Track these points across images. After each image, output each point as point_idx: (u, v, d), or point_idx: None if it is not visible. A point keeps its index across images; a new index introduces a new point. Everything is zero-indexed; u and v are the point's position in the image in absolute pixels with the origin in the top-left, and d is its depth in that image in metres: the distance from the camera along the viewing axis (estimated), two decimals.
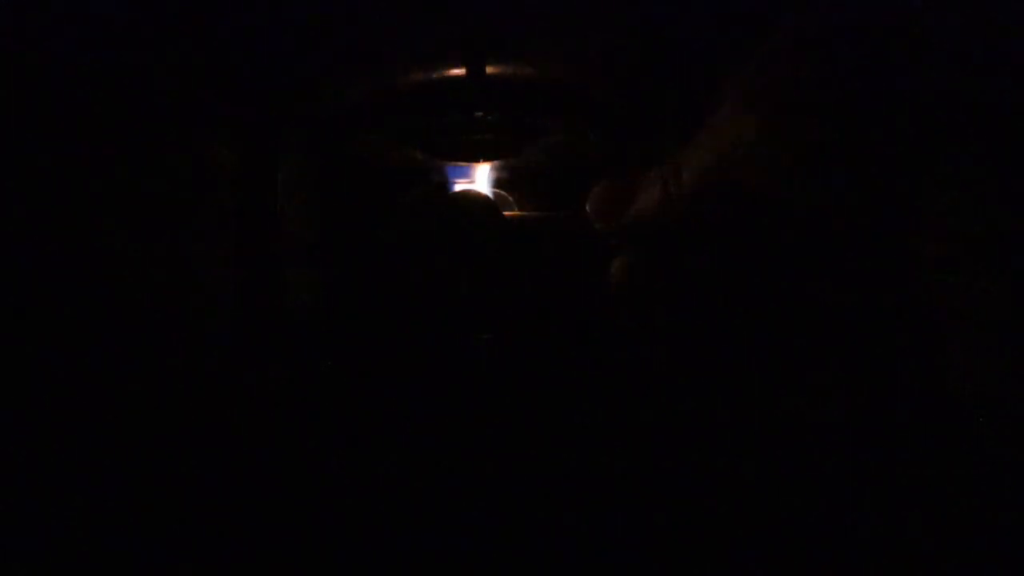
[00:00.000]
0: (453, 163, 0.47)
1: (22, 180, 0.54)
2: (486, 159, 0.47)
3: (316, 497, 0.41)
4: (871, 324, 0.30)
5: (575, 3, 0.38)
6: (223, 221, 0.58)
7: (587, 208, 0.33)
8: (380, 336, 0.46)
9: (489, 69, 0.39)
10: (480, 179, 0.47)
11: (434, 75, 0.40)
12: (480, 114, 0.40)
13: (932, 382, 0.27)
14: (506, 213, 0.44)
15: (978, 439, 0.27)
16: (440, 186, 0.48)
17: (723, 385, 0.36)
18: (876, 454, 0.33)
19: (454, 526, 0.38)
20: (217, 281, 0.58)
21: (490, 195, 0.46)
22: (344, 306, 0.51)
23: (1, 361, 0.54)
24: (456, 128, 0.42)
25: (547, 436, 0.39)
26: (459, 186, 0.47)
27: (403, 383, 0.38)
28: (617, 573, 0.38)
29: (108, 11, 0.55)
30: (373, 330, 0.46)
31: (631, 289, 0.32)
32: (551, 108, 0.41)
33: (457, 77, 0.39)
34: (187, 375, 0.57)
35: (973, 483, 0.30)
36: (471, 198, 0.45)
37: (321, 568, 0.38)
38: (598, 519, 0.39)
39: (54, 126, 0.54)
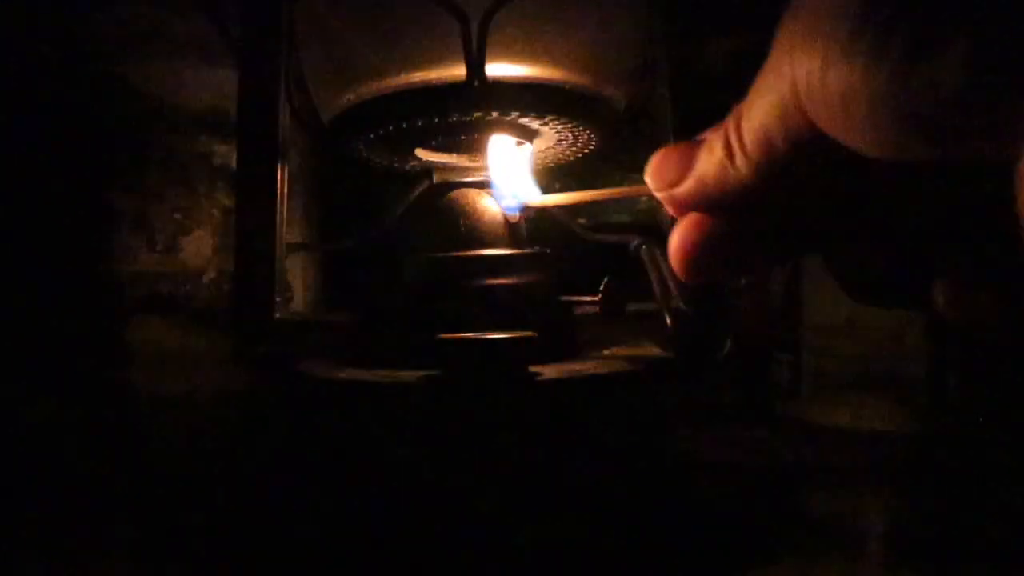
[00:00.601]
0: (451, 162, 0.47)
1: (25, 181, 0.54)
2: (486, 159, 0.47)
3: (314, 501, 0.41)
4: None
5: None
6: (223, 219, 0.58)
7: (646, 179, 0.30)
8: (383, 336, 0.46)
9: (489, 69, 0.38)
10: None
11: (434, 75, 0.40)
12: (480, 114, 0.39)
13: None
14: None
15: None
16: (441, 186, 0.48)
17: None
18: None
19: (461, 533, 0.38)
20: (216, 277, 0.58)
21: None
22: (345, 306, 0.50)
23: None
24: (456, 128, 0.41)
25: (547, 433, 0.38)
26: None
27: (406, 385, 0.38)
28: None
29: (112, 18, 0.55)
30: (375, 330, 0.46)
31: (702, 259, 0.30)
32: (552, 106, 0.40)
33: (457, 77, 0.39)
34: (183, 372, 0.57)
35: None
36: (471, 200, 0.45)
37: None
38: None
39: (57, 127, 0.55)
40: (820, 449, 0.60)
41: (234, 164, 0.49)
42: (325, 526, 0.39)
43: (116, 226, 0.56)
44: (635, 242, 0.47)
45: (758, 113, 0.23)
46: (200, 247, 0.58)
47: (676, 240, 0.28)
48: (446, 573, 0.36)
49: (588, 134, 0.44)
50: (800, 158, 0.23)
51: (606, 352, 0.44)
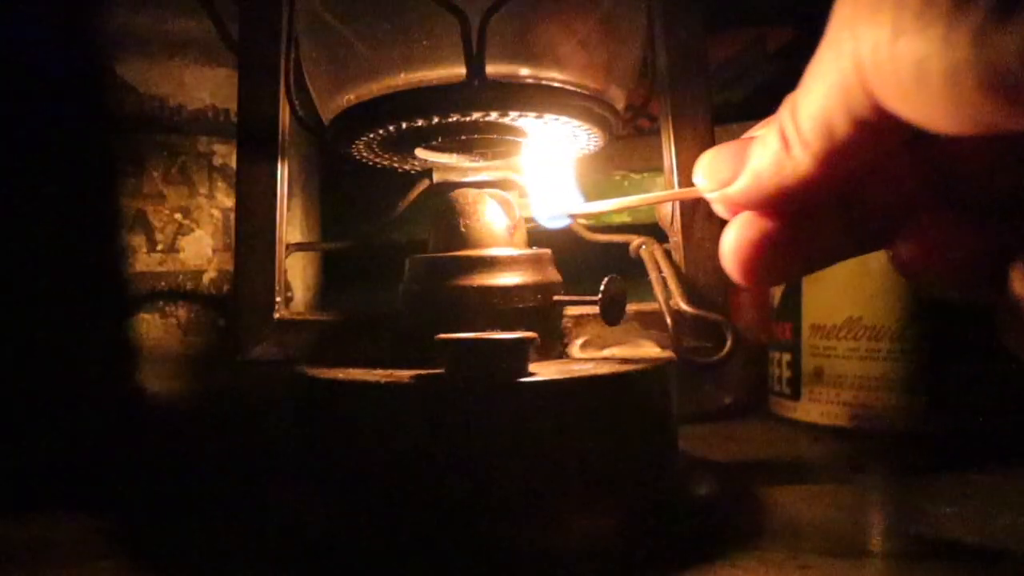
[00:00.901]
0: (451, 162, 0.47)
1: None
2: (486, 159, 0.47)
3: (313, 501, 0.41)
4: None
5: None
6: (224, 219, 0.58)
7: (695, 180, 0.26)
8: (382, 336, 0.46)
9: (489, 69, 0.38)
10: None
11: (434, 75, 0.40)
12: (480, 114, 0.39)
13: None
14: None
15: None
16: (441, 185, 0.48)
17: None
18: None
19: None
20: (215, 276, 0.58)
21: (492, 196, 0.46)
22: (345, 306, 0.50)
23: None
24: (455, 128, 0.41)
25: (548, 433, 0.38)
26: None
27: (405, 386, 0.38)
28: None
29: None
30: (375, 331, 0.46)
31: (759, 261, 0.25)
32: (553, 106, 0.40)
33: (457, 77, 0.39)
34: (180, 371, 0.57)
35: None
36: (470, 200, 0.45)
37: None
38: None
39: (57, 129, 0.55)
40: (820, 448, 0.60)
41: (234, 164, 0.49)
42: (324, 525, 0.39)
43: (116, 226, 0.56)
44: (635, 242, 0.47)
45: (816, 97, 0.21)
46: (200, 247, 0.58)
47: (730, 242, 0.26)
48: (445, 574, 0.36)
49: (588, 134, 0.44)
50: (864, 143, 0.21)
51: (606, 352, 0.44)
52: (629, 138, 0.58)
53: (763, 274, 0.26)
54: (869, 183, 0.24)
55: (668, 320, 0.42)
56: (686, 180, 0.44)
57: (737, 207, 0.26)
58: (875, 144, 0.21)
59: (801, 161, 0.22)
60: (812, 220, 0.25)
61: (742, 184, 0.25)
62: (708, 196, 0.26)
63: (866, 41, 0.19)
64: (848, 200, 0.25)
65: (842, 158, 0.22)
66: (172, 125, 0.56)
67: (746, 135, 0.25)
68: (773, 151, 0.23)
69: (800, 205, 0.24)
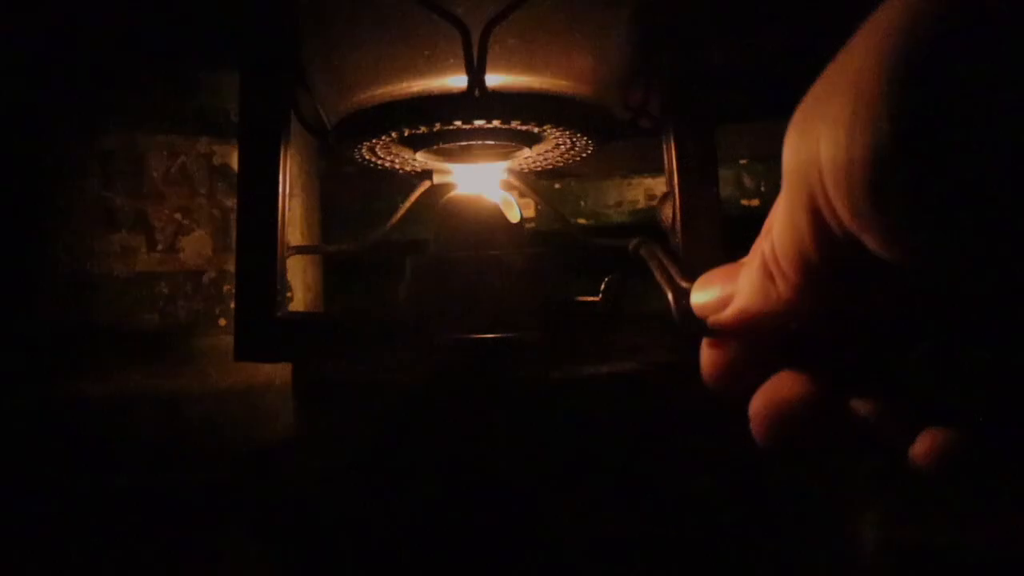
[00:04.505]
0: (452, 166, 0.48)
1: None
2: (487, 161, 0.47)
3: (315, 499, 0.41)
4: None
5: None
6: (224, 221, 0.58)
7: (692, 301, 0.27)
8: (380, 337, 0.46)
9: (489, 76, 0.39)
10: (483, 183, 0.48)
11: (436, 84, 0.40)
12: (480, 122, 0.40)
13: None
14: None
15: None
16: (442, 187, 0.48)
17: None
18: None
19: (459, 525, 0.38)
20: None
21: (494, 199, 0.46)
22: (346, 307, 0.51)
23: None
24: (457, 135, 0.41)
25: (550, 433, 0.39)
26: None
27: (406, 385, 0.38)
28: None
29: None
30: (376, 331, 0.46)
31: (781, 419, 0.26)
32: (551, 115, 0.41)
33: (459, 87, 0.39)
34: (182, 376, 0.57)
35: None
36: (471, 202, 0.45)
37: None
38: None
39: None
40: None
41: (234, 164, 0.49)
42: (326, 524, 0.40)
43: (116, 226, 0.56)
44: (634, 242, 0.47)
45: (786, 226, 0.20)
46: (200, 247, 0.58)
47: (757, 403, 0.26)
48: (448, 570, 0.36)
49: (586, 140, 0.44)
50: (841, 269, 0.20)
51: (608, 352, 0.45)
52: (629, 138, 0.58)
53: (790, 434, 0.26)
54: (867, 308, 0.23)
55: (673, 313, 0.42)
56: (686, 180, 0.45)
57: (730, 333, 0.26)
58: (853, 269, 0.20)
59: (784, 291, 0.22)
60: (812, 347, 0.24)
61: (731, 313, 0.25)
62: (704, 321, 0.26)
63: (826, 150, 0.18)
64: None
65: (824, 285, 0.21)
66: (172, 125, 0.56)
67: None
68: (757, 280, 0.22)
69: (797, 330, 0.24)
